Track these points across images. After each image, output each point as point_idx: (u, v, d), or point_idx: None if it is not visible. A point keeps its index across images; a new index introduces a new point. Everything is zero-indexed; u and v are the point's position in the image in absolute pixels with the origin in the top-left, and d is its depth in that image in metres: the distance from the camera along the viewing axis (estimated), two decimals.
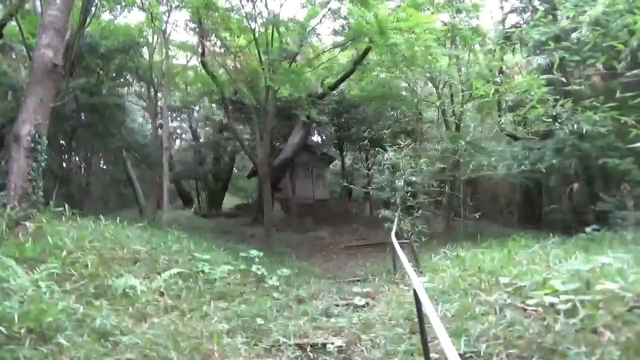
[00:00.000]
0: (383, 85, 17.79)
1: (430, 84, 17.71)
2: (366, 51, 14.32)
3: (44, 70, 6.98)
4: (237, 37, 15.18)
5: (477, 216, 9.82)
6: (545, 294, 4.43)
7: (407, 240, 8.13)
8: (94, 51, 12.34)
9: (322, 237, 16.82)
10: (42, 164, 6.91)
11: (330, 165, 31.07)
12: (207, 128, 27.11)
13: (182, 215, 23.09)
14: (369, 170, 21.99)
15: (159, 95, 19.74)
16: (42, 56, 7.01)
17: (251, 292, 6.86)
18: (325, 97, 16.89)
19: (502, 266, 5.62)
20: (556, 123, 8.86)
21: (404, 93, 19.38)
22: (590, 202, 11.49)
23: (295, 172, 24.12)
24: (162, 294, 5.78)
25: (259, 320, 5.74)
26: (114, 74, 14.73)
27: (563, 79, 8.49)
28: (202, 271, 6.84)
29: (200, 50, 15.79)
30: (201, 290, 6.28)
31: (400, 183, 8.73)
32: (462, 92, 13.91)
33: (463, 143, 11.23)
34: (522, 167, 9.34)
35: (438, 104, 14.91)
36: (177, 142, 31.36)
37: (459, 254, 6.46)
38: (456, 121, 14.23)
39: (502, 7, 16.94)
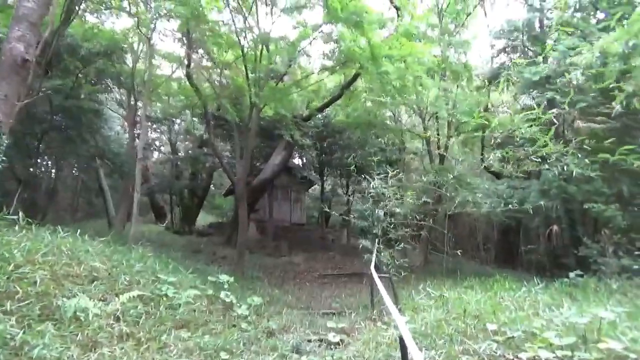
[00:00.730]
0: (369, 113, 17.60)
1: (415, 115, 17.63)
2: (355, 77, 14.17)
3: (12, 64, 6.46)
4: (225, 52, 14.86)
5: (459, 252, 9.50)
6: (539, 347, 4.08)
7: (387, 275, 7.72)
8: (74, 52, 11.79)
9: (297, 263, 16.27)
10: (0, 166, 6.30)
11: (310, 190, 30.69)
12: (187, 142, 26.48)
13: (153, 230, 22.26)
14: (350, 197, 21.68)
15: (139, 104, 19.22)
16: (12, 50, 6.49)
17: (217, 322, 6.32)
18: (310, 119, 16.62)
19: (489, 311, 5.25)
20: (545, 163, 8.70)
21: (388, 122, 19.25)
22: (571, 246, 11.32)
23: (274, 194, 23.63)
24: (118, 319, 5.21)
25: (223, 355, 5.22)
26: (93, 79, 14.10)
27: (554, 120, 8.35)
28: (166, 295, 6.27)
29: (186, 61, 15.38)
30: (162, 316, 5.72)
31: (382, 213, 8.37)
32: (449, 125, 13.80)
33: (450, 177, 11.04)
34: (509, 205, 9.10)
35: (424, 135, 14.75)
36: (155, 154, 30.63)
37: (442, 294, 6.07)
38: (441, 154, 14.07)
39: (492, 45, 17.15)
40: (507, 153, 8.46)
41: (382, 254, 8.52)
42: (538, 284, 7.99)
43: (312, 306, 9.32)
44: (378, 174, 9.25)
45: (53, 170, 22.23)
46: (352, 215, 9.85)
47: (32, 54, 6.72)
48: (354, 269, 15.60)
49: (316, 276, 14.30)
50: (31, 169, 12.28)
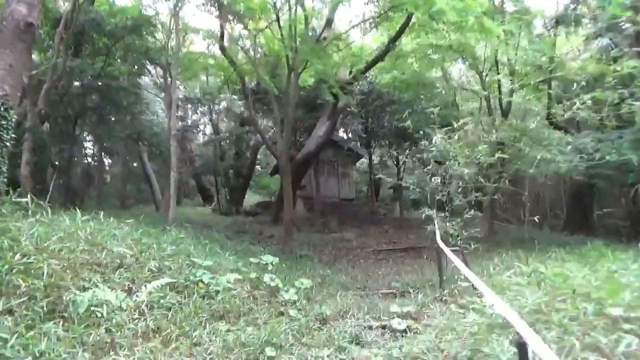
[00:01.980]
0: (417, 74, 16.13)
1: (469, 72, 15.99)
2: (404, 26, 12.52)
3: (14, 30, 5.71)
4: (259, 17, 13.82)
5: (536, 219, 8.17)
6: None
7: (457, 248, 6.57)
8: (99, 29, 11.16)
9: (348, 240, 15.30)
10: (7, 144, 5.60)
11: (357, 164, 29.57)
12: (229, 121, 25.89)
13: (199, 212, 22.00)
14: (401, 168, 20.39)
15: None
16: (13, 13, 5.75)
17: (262, 310, 5.43)
18: (354, 82, 15.30)
19: (604, 290, 4.03)
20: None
21: (438, 84, 17.65)
22: None
23: (320, 169, 22.66)
24: (142, 313, 4.41)
25: (269, 351, 4.31)
26: (124, 56, 13.46)
27: None
28: (201, 281, 5.43)
29: (219, 33, 14.52)
30: (197, 306, 4.89)
31: (444, 177, 7.17)
32: (512, 76, 12.23)
33: (518, 133, 9.64)
34: (595, 161, 7.64)
35: (482, 92, 13.20)
36: (200, 136, 30.38)
37: (537, 269, 4.87)
38: (504, 110, 12.56)
39: None
40: (598, 96, 6.97)
41: (446, 224, 7.34)
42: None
43: (369, 286, 8.31)
44: (439, 127, 8.05)
45: (95, 157, 22.15)
46: (408, 183, 8.57)
47: (35, 16, 5.94)
48: (410, 243, 14.47)
49: (370, 252, 13.28)
50: (65, 154, 11.91)
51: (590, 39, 13.59)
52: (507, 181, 8.62)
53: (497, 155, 7.38)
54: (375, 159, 25.64)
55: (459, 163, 7.04)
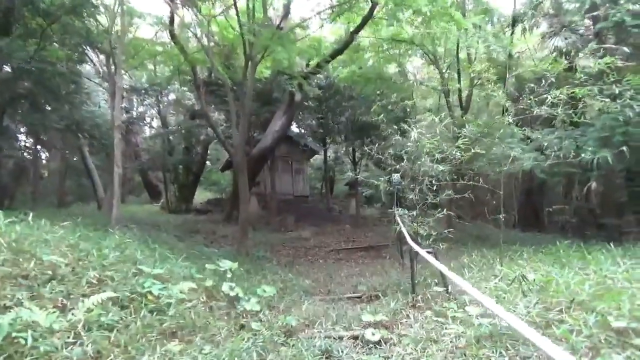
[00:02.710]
0: (375, 70, 15.85)
1: (428, 67, 15.87)
2: (371, 11, 11.94)
3: None
4: (213, 2, 13.01)
5: (501, 217, 7.99)
6: None
7: (431, 250, 6.18)
8: (32, 6, 9.96)
9: (306, 238, 14.80)
10: None
11: (311, 159, 29.16)
12: (178, 114, 24.68)
13: (146, 210, 20.81)
14: (358, 163, 20.11)
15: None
16: None
17: (220, 324, 4.81)
18: (313, 74, 14.74)
19: (599, 297, 3.73)
20: (616, 103, 7.04)
21: (395, 80, 17.45)
22: (629, 203, 9.80)
23: (274, 165, 22.02)
24: (78, 336, 3.69)
25: None
26: (60, 40, 12.18)
27: (625, 49, 6.68)
28: (150, 293, 4.73)
29: (169, 18, 13.58)
30: (145, 324, 4.21)
31: (422, 172, 6.80)
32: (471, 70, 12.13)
33: (479, 128, 9.43)
34: (562, 157, 7.53)
35: (441, 87, 13.07)
36: (145, 129, 28.86)
37: (521, 273, 4.54)
38: (464, 106, 12.46)
39: None
40: (562, 93, 6.80)
41: (415, 223, 6.98)
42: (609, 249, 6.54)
43: (334, 290, 7.83)
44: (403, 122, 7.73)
45: (22, 149, 20.31)
46: (380, 180, 8.13)
47: None
48: (369, 242, 14.16)
49: (329, 251, 12.83)
50: None
51: (547, 37, 13.75)
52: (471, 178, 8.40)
53: (472, 150, 7.06)
54: (331, 154, 25.33)
55: (435, 159, 6.67)
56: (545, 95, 7.17)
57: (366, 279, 8.52)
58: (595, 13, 10.33)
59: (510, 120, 8.14)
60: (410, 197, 6.98)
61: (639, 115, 7.23)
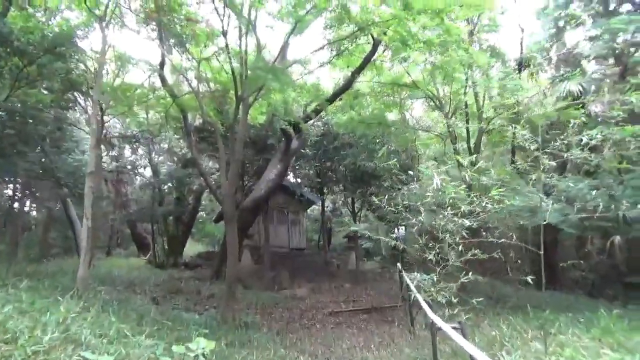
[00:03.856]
0: (376, 115, 15.07)
1: (432, 112, 15.08)
2: (373, 51, 11.10)
3: None
4: (205, 45, 12.33)
5: (530, 280, 6.85)
6: None
7: (458, 324, 4.97)
8: (6, 44, 9.12)
9: (301, 297, 13.40)
10: None
11: (308, 210, 28.06)
12: (169, 163, 23.71)
13: (131, 264, 19.36)
14: (356, 215, 18.98)
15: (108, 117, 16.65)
16: None
17: None
18: (311, 118, 13.82)
19: None
20: None
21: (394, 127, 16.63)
22: None
23: (269, 216, 20.84)
24: None
25: None
26: (45, 82, 11.35)
27: None
28: None
29: (159, 61, 12.86)
30: None
31: (444, 228, 5.69)
32: (479, 118, 11.30)
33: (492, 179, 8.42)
34: (599, 210, 6.45)
35: (447, 134, 12.20)
36: (136, 178, 27.79)
37: None
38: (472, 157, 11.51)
39: (522, 29, 14.61)
40: (600, 133, 5.84)
41: (434, 291, 5.79)
42: None
43: None
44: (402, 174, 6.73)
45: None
46: (395, 235, 6.93)
47: None
48: (372, 302, 12.77)
49: (327, 314, 11.42)
50: None
51: (557, 82, 13.05)
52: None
53: (506, 202, 5.99)
54: (329, 205, 24.26)
55: (461, 212, 5.57)
56: (567, 141, 6.24)
57: (373, 353, 7.17)
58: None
59: (527, 167, 7.14)
60: (429, 257, 5.81)
61: None
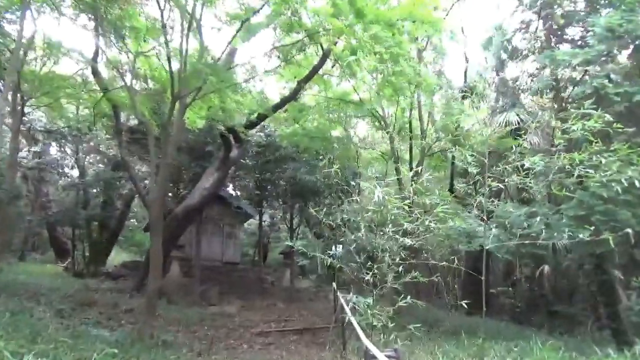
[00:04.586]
0: (321, 130, 14.82)
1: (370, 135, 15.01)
2: (322, 60, 10.76)
3: None
4: (145, 41, 11.54)
5: (465, 304, 6.66)
6: None
7: (393, 352, 4.58)
8: None
9: (230, 315, 12.63)
10: None
11: (245, 224, 27.23)
12: (97, 163, 22.20)
13: (45, 271, 17.71)
14: (294, 231, 18.49)
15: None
16: None
17: None
18: (254, 126, 13.25)
19: None
20: (600, 175, 6.04)
21: (336, 145, 16.39)
22: (597, 291, 8.81)
23: (202, 228, 19.88)
24: None
25: None
26: None
27: (607, 115, 5.82)
28: None
29: (93, 52, 11.91)
30: None
31: (382, 247, 5.33)
32: (423, 140, 11.29)
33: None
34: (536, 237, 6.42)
35: (392, 155, 12.10)
36: (62, 178, 25.72)
37: None
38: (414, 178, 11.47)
39: (467, 58, 14.99)
40: (542, 161, 5.79)
41: (370, 313, 5.40)
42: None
43: None
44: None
45: None
46: (333, 252, 6.36)
47: None
48: (304, 321, 12.29)
49: (256, 334, 10.75)
50: None
51: (497, 112, 13.40)
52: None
53: (449, 222, 5.74)
54: (266, 220, 23.63)
55: (404, 230, 5.24)
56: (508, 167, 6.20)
57: None
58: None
59: (468, 191, 7.04)
60: (367, 278, 5.44)
61: (623, 193, 6.29)
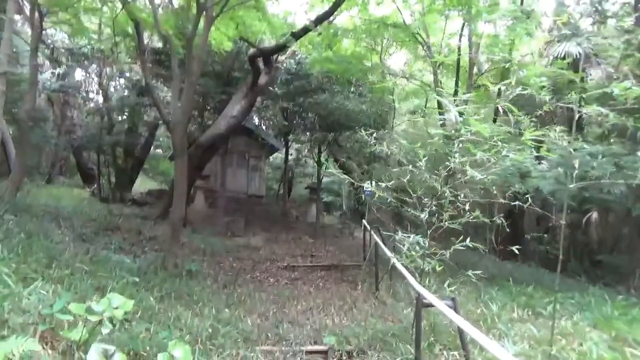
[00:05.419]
0: (356, 57, 13.67)
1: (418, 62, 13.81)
2: None
3: None
4: None
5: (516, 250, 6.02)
6: None
7: (450, 302, 3.98)
8: None
9: (255, 247, 12.32)
10: None
11: (271, 157, 26.75)
12: (122, 88, 21.55)
13: (73, 195, 17.67)
14: (321, 166, 17.80)
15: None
16: None
17: None
18: (284, 48, 12.11)
19: None
20: None
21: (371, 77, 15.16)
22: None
23: (228, 159, 19.43)
24: None
25: None
26: None
27: None
28: None
29: None
30: None
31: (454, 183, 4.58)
32: (470, 68, 10.18)
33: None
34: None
35: (433, 88, 11.03)
36: (87, 103, 25.29)
37: None
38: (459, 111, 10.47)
39: None
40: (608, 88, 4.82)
41: (423, 260, 4.76)
42: None
43: (286, 335, 5.44)
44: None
45: None
46: (377, 186, 5.60)
47: None
48: (332, 259, 11.86)
49: (282, 268, 10.40)
50: None
51: (554, 42, 12.00)
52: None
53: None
54: (293, 153, 22.98)
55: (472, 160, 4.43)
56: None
57: (332, 320, 6.18)
58: None
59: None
60: (422, 217, 4.73)
61: None
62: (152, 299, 5.32)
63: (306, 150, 21.67)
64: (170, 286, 6.41)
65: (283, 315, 6.41)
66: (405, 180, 5.15)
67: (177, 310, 5.27)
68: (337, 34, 12.88)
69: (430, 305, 3.78)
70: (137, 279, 5.81)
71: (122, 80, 20.83)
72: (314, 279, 9.53)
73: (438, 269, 4.91)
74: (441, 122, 10.41)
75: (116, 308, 3.45)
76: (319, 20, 10.13)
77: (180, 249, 8.82)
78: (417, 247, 4.74)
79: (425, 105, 12.85)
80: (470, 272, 4.73)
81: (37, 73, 14.91)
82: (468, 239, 4.83)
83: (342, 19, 13.47)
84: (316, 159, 17.36)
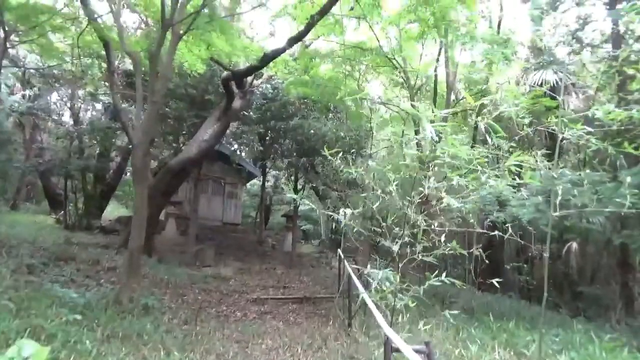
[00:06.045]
0: (333, 82, 13.43)
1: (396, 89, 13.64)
2: None
3: None
4: None
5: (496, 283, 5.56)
6: None
7: (424, 348, 3.48)
8: None
9: (225, 278, 11.66)
10: None
11: (247, 185, 26.26)
12: (92, 110, 20.96)
13: (36, 223, 16.77)
14: (299, 191, 17.32)
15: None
16: None
17: None
18: (259, 69, 11.65)
19: None
20: None
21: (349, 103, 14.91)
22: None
23: (203, 186, 18.86)
24: None
25: None
26: None
27: None
28: None
29: None
30: None
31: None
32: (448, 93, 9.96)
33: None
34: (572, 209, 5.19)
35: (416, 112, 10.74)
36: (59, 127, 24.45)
37: None
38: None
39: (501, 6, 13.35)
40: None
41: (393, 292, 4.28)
42: None
43: None
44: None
45: None
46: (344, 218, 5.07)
47: None
48: (305, 290, 11.28)
49: (252, 300, 9.75)
50: None
51: (532, 70, 11.95)
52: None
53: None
54: (270, 180, 22.53)
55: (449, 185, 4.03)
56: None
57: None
58: None
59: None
60: (394, 248, 4.27)
61: None
62: (91, 341, 4.67)
63: (283, 177, 21.26)
64: (119, 324, 5.74)
65: (244, 357, 5.78)
66: (374, 208, 4.72)
67: (119, 354, 4.64)
68: (313, 58, 12.63)
69: (399, 350, 3.30)
70: (78, 317, 5.18)
71: (94, 104, 20.19)
72: (284, 313, 8.91)
73: (411, 305, 4.42)
74: (417, 141, 10.15)
75: (26, 358, 2.86)
76: (293, 40, 9.81)
77: (140, 281, 8.12)
78: (388, 283, 4.27)
79: (402, 133, 12.59)
80: (447, 312, 4.26)
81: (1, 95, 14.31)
82: (445, 273, 4.36)
83: (320, 44, 13.29)
84: (293, 186, 16.91)
